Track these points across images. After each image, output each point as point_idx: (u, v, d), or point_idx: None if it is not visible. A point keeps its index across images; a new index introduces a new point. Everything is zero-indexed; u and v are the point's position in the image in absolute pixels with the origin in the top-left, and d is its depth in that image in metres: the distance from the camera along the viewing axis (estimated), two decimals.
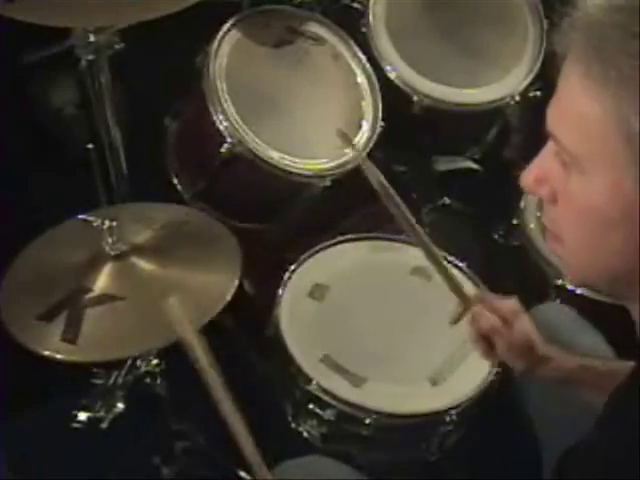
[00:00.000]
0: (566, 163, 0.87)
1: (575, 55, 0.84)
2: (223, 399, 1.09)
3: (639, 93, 0.79)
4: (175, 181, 1.98)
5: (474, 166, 2.29)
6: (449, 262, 1.77)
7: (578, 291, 1.75)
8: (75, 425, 1.59)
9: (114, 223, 1.39)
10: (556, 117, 0.88)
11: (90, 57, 1.62)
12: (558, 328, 1.49)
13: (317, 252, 1.79)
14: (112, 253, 1.40)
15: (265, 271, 1.85)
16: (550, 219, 0.95)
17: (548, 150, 0.91)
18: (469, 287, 1.65)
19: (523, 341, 1.29)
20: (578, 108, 0.84)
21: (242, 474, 1.80)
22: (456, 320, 1.38)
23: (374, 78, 1.98)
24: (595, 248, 0.89)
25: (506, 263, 2.02)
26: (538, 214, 1.89)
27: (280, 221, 2.00)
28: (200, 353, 1.10)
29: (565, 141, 0.86)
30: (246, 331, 1.94)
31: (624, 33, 0.80)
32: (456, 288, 1.40)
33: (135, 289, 1.40)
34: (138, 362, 1.65)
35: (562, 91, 0.88)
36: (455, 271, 1.72)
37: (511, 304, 1.32)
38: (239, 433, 1.10)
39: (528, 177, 0.93)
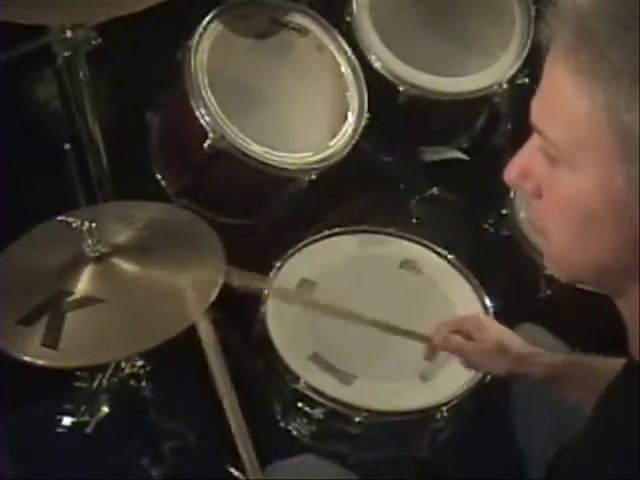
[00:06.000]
0: (552, 157, 0.84)
1: (562, 47, 0.81)
2: (227, 394, 1.12)
3: (631, 87, 0.75)
4: (159, 177, 1.95)
5: (462, 156, 2.28)
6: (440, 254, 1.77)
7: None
8: (59, 430, 1.57)
9: (93, 225, 1.36)
10: (542, 111, 0.85)
11: (67, 53, 1.59)
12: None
13: (303, 247, 1.76)
14: (92, 255, 1.38)
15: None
16: (535, 213, 0.92)
17: (532, 143, 0.88)
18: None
19: (496, 347, 1.31)
20: (566, 102, 0.81)
21: (232, 471, 1.79)
22: (431, 355, 1.54)
23: (359, 68, 1.94)
24: (581, 242, 0.86)
25: (496, 253, 2.00)
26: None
27: (266, 216, 1.98)
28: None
29: (552, 135, 0.83)
30: (233, 329, 1.92)
31: (614, 24, 0.76)
32: (412, 336, 1.46)
33: (117, 291, 1.37)
34: (122, 364, 1.63)
35: (548, 84, 0.84)
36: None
37: (472, 319, 1.40)
38: (238, 431, 1.11)
39: (511, 171, 0.90)
